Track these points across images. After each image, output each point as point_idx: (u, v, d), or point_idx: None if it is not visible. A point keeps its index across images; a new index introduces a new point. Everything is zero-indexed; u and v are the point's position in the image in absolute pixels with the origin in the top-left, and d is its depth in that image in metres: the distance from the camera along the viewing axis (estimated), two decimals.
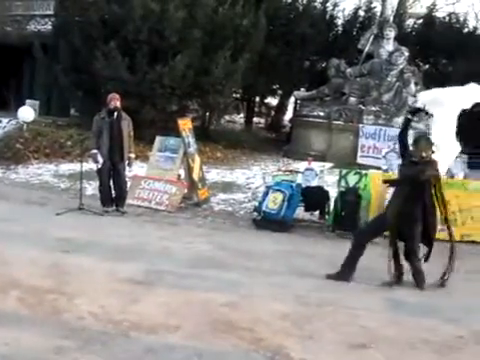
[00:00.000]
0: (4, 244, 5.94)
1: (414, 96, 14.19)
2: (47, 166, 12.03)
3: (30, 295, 4.27)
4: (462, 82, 13.85)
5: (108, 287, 4.98)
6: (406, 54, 14.53)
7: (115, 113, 8.40)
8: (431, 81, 15.50)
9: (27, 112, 13.48)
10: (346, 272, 5.73)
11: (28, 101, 15.50)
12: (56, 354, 3.65)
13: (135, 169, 9.91)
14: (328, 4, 18.20)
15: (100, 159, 8.33)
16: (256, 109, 21.52)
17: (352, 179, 8.53)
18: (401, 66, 14.50)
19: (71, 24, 14.18)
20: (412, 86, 14.38)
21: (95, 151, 8.36)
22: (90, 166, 9.43)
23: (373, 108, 14.14)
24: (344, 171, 8.78)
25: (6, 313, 4.23)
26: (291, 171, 9.94)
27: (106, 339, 3.92)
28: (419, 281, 5.68)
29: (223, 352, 3.93)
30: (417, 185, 5.65)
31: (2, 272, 5.10)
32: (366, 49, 15.05)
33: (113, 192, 8.64)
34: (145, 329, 4.16)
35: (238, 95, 19.15)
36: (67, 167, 11.87)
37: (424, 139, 5.99)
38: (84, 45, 13.55)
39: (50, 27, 16.68)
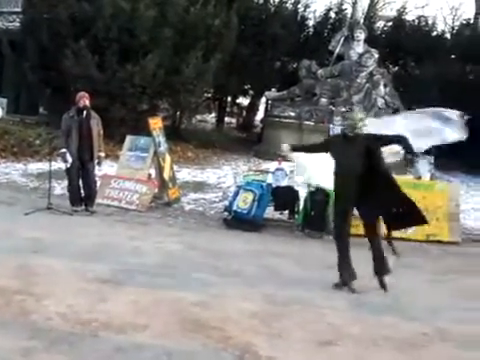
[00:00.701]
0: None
1: (383, 98, 14.47)
2: (15, 165, 11.84)
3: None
4: (429, 84, 14.24)
5: (76, 287, 4.94)
6: (376, 56, 14.75)
7: (84, 112, 8.33)
8: (400, 83, 15.83)
9: None
10: (345, 275, 5.63)
11: None
12: (23, 356, 3.61)
13: (105, 168, 9.83)
14: (299, 5, 18.46)
15: (69, 158, 8.25)
16: (228, 109, 21.57)
17: None
18: (371, 68, 14.72)
19: (39, 21, 14.00)
20: (381, 88, 14.61)
21: (64, 150, 8.26)
22: (59, 165, 9.32)
23: (343, 109, 14.29)
24: None
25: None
26: (262, 171, 10.00)
27: (74, 339, 3.89)
28: (380, 267, 5.56)
29: (192, 351, 3.94)
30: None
31: None
32: (336, 50, 15.24)
33: (82, 191, 8.56)
34: (114, 328, 4.14)
35: (210, 95, 19.17)
36: (36, 166, 11.70)
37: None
38: (53, 42, 13.41)
39: (18, 24, 16.42)
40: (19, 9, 16.88)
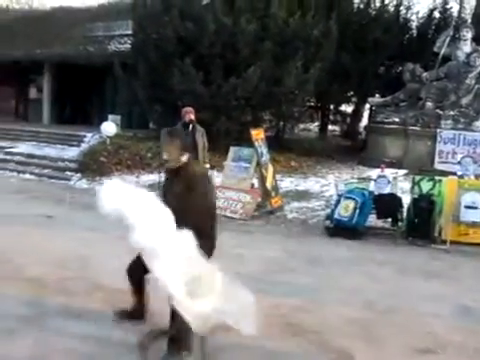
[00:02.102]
0: (93, 251, 6.41)
1: None
2: (129, 177, 12.66)
3: (113, 296, 4.63)
4: None
5: None
6: None
7: (190, 126, 8.79)
8: None
9: (110, 127, 14.25)
10: None
11: (110, 116, 16.38)
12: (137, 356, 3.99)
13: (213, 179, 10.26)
14: (401, 7, 17.96)
15: None
16: (331, 117, 21.49)
17: (426, 186, 8.44)
18: None
19: (148, 42, 14.87)
20: None
21: None
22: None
23: (451, 112, 13.82)
24: (417, 178, 8.69)
25: (91, 312, 4.63)
26: (364, 179, 9.95)
27: None
28: None
29: (291, 353, 4.10)
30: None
31: (88, 276, 5.52)
32: (442, 52, 14.71)
33: None
34: (219, 329, 4.39)
35: (312, 103, 19.23)
36: (147, 178, 12.45)
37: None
38: (161, 62, 14.18)
39: (129, 46, 17.52)
40: (129, 32, 18.00)
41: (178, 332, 3.74)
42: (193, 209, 3.71)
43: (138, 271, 4.06)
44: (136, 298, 4.29)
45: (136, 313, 4.37)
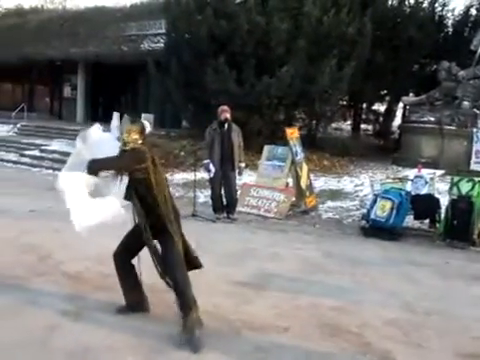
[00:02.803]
0: None
1: None
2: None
3: (151, 293, 4.66)
4: None
5: (221, 289, 5.29)
6: None
7: (226, 124, 8.78)
8: None
9: None
10: None
11: (143, 115, 16.49)
12: (176, 346, 4.03)
13: (245, 177, 10.25)
14: (436, 5, 17.66)
15: (212, 169, 8.75)
16: (363, 116, 21.26)
17: (465, 186, 8.25)
18: None
19: (182, 41, 14.97)
20: None
21: (207, 161, 8.79)
22: (202, 175, 9.89)
23: None
24: (456, 178, 8.52)
25: None
26: (400, 179, 9.81)
27: (220, 335, 4.21)
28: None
29: (330, 354, 4.06)
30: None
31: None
32: (479, 50, 14.44)
33: (224, 200, 9.03)
34: (256, 329, 4.39)
35: (345, 102, 19.07)
36: (181, 176, 12.52)
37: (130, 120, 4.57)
38: (194, 61, 14.24)
39: (162, 45, 17.65)
40: (163, 31, 18.16)
41: (180, 297, 4.18)
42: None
43: (122, 255, 4.49)
44: (125, 286, 4.53)
45: (138, 305, 4.57)
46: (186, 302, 4.17)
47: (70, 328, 4.30)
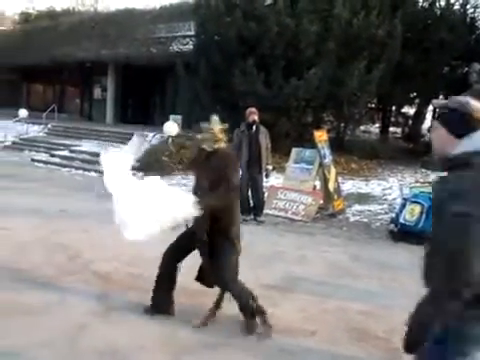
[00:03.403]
0: (152, 248, 6.52)
1: None
2: (190, 177, 12.80)
3: (182, 296, 4.69)
4: None
5: None
6: None
7: (253, 126, 8.79)
8: None
9: (172, 126, 14.49)
10: None
11: (172, 116, 16.65)
12: (204, 347, 4.09)
13: (272, 180, 10.24)
14: (468, 6, 17.41)
15: (239, 170, 8.75)
16: (392, 119, 21.07)
17: None
18: None
19: (210, 43, 15.04)
20: None
21: None
22: None
23: None
24: None
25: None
26: (430, 182, 9.69)
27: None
28: None
29: (357, 358, 4.04)
30: None
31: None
32: None
33: (251, 202, 9.03)
34: (282, 331, 4.39)
35: (373, 105, 18.92)
36: None
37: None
38: (223, 62, 14.30)
39: (191, 47, 17.75)
40: (192, 32, 18.26)
41: (240, 301, 4.32)
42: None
43: (171, 254, 4.50)
44: (161, 285, 4.54)
45: (165, 308, 4.57)
46: (243, 306, 4.33)
47: (99, 327, 4.35)
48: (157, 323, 4.43)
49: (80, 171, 14.85)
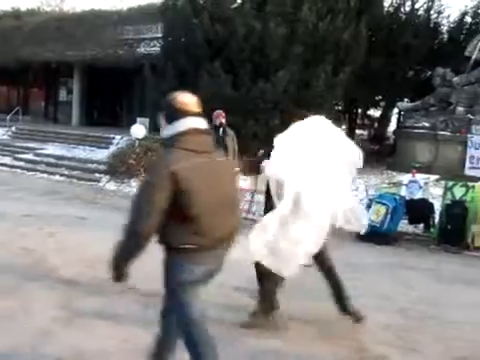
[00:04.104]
0: None
1: None
2: None
3: (147, 298, 4.65)
4: None
5: (218, 295, 5.27)
6: None
7: (220, 129, 8.80)
8: None
9: (139, 129, 14.36)
10: None
11: (139, 119, 16.52)
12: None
13: (239, 182, 10.23)
14: (432, 12, 17.79)
15: None
16: (358, 121, 21.36)
17: (458, 191, 8.32)
18: None
19: (177, 45, 14.99)
20: None
21: None
22: None
23: None
24: (450, 183, 8.57)
25: (125, 313, 4.68)
26: (395, 183, 9.85)
27: (216, 341, 4.20)
28: None
29: (325, 359, 4.06)
30: None
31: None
32: (474, 56, 14.54)
33: None
34: (249, 333, 4.38)
35: (340, 107, 19.13)
36: None
37: None
38: (190, 65, 14.26)
39: (158, 49, 17.65)
40: (159, 35, 18.17)
41: (263, 295, 4.63)
42: None
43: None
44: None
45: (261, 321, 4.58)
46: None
47: (63, 334, 4.26)
48: (122, 328, 4.37)
49: (45, 175, 14.60)
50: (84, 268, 5.88)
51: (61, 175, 14.22)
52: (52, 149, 17.23)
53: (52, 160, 15.73)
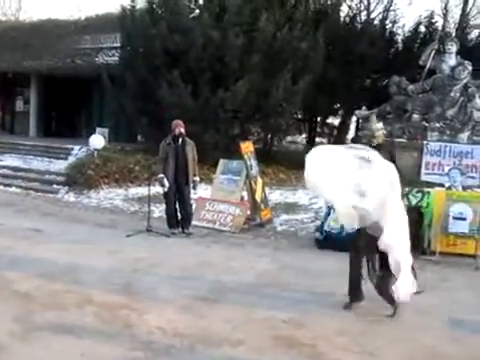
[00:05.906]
0: (83, 264, 6.37)
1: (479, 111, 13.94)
2: (117, 190, 12.61)
3: (104, 310, 4.59)
4: None
5: (175, 303, 5.24)
6: (469, 68, 14.23)
7: (180, 139, 8.77)
8: None
9: (97, 139, 14.17)
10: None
11: (98, 129, 16.30)
12: None
13: (199, 191, 10.22)
14: (387, 21, 18.21)
15: (166, 183, 8.70)
16: (318, 129, 21.62)
17: (414, 198, 8.48)
18: (465, 80, 14.21)
19: (136, 55, 14.91)
20: (477, 100, 14.03)
21: (162, 175, 8.73)
22: (157, 190, 9.82)
23: (437, 124, 13.92)
24: (406, 189, 8.71)
25: (83, 327, 4.58)
26: None
27: (173, 351, 4.17)
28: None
29: None
30: None
31: (79, 290, 5.48)
32: (428, 65, 14.86)
33: (179, 214, 8.98)
34: (210, 343, 4.37)
35: (299, 116, 19.34)
36: (135, 191, 12.40)
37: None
38: (149, 74, 14.19)
39: (117, 59, 17.49)
40: (117, 44, 18.01)
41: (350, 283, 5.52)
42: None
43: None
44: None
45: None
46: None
47: (18, 349, 4.17)
48: (79, 342, 4.29)
49: (1, 186, 14.23)
50: (41, 281, 5.76)
51: (17, 187, 13.87)
52: (9, 160, 16.81)
53: (8, 171, 15.34)
